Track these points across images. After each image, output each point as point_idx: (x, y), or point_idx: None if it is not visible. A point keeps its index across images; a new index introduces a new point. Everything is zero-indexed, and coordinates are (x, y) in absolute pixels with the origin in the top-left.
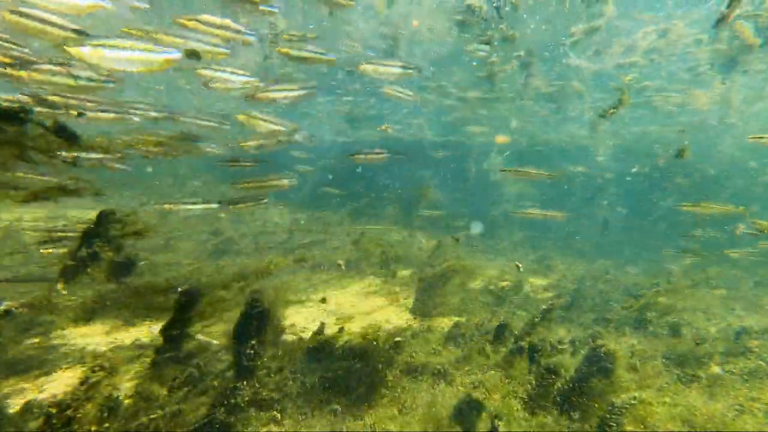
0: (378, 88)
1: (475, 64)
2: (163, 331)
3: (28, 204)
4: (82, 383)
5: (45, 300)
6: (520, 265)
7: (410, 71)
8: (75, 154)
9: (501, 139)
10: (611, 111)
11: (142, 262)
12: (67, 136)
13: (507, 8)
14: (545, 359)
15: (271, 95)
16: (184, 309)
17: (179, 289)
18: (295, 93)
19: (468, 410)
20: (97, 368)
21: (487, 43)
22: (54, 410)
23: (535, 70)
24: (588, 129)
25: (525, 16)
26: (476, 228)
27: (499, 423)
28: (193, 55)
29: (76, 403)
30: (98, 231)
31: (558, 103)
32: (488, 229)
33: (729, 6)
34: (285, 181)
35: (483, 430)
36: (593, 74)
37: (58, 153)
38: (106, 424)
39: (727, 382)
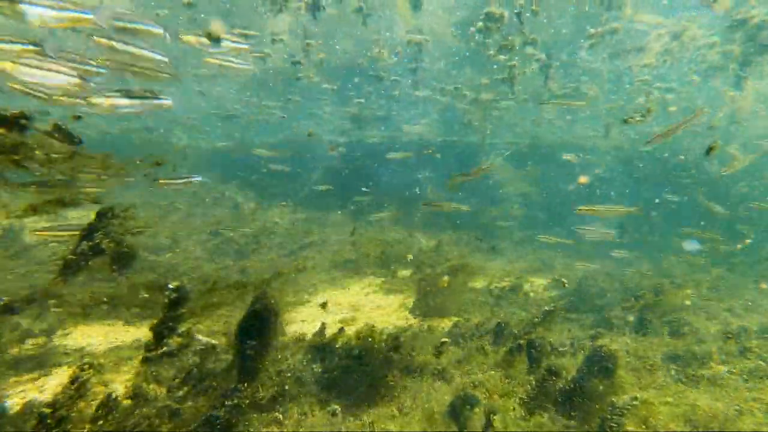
0: (393, 92)
1: (495, 67)
2: (155, 328)
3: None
4: (72, 382)
5: (45, 296)
6: (566, 281)
7: (243, 47)
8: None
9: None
10: (637, 118)
11: (144, 261)
12: (69, 138)
13: (527, 14)
14: (545, 360)
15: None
16: (175, 306)
17: (170, 286)
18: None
19: (464, 407)
20: (87, 367)
21: (508, 48)
22: (48, 410)
23: (553, 73)
24: (603, 130)
25: (545, 20)
26: (691, 246)
27: (495, 418)
28: (211, 37)
29: (70, 402)
30: (98, 226)
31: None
32: (488, 229)
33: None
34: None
35: (478, 426)
36: (609, 75)
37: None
38: (101, 422)
39: (728, 382)
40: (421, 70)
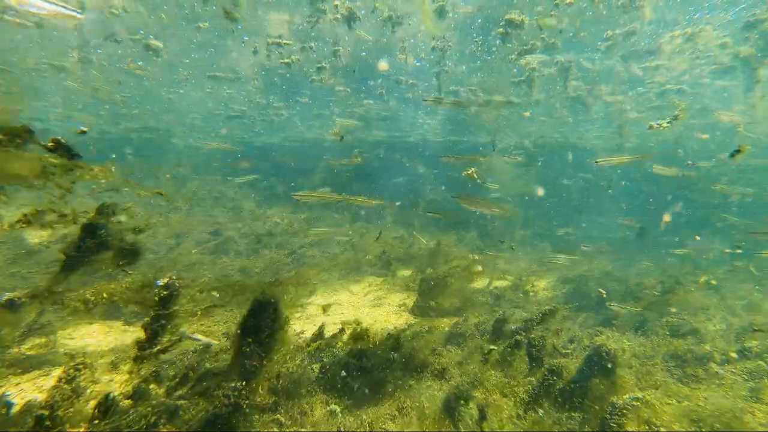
0: (407, 94)
1: (514, 70)
2: (147, 327)
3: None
4: (67, 383)
5: (47, 291)
6: (604, 292)
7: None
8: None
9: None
10: (664, 124)
11: (144, 259)
12: (68, 153)
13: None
14: (545, 359)
15: None
16: (166, 303)
17: (158, 283)
18: None
19: (458, 403)
20: (81, 367)
21: (529, 53)
22: (46, 412)
23: (573, 75)
24: (617, 132)
25: (563, 25)
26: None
27: (491, 415)
28: (228, 15)
29: (67, 402)
30: (99, 222)
31: (585, 106)
32: (488, 229)
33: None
34: None
35: (473, 422)
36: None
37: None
38: (96, 421)
39: (728, 382)
40: (444, 74)
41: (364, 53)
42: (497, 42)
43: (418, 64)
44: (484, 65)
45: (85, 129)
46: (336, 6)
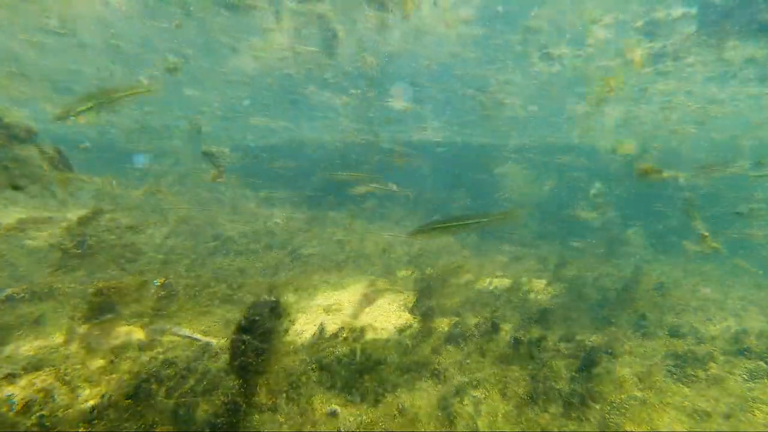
0: (421, 96)
1: (534, 71)
2: (146, 326)
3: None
4: (64, 383)
5: (47, 288)
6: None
7: None
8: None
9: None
10: (690, 129)
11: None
12: (63, 164)
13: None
14: (545, 359)
15: None
16: (164, 303)
17: (156, 282)
18: None
19: (454, 400)
20: (78, 366)
21: (549, 56)
22: (45, 412)
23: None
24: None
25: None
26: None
27: (489, 415)
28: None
29: (66, 402)
30: (96, 222)
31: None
32: (488, 229)
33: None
34: None
35: (469, 419)
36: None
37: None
38: (95, 421)
39: (728, 382)
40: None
41: (386, 59)
42: (518, 47)
43: (436, 68)
44: (504, 68)
45: (87, 145)
46: (368, 17)
